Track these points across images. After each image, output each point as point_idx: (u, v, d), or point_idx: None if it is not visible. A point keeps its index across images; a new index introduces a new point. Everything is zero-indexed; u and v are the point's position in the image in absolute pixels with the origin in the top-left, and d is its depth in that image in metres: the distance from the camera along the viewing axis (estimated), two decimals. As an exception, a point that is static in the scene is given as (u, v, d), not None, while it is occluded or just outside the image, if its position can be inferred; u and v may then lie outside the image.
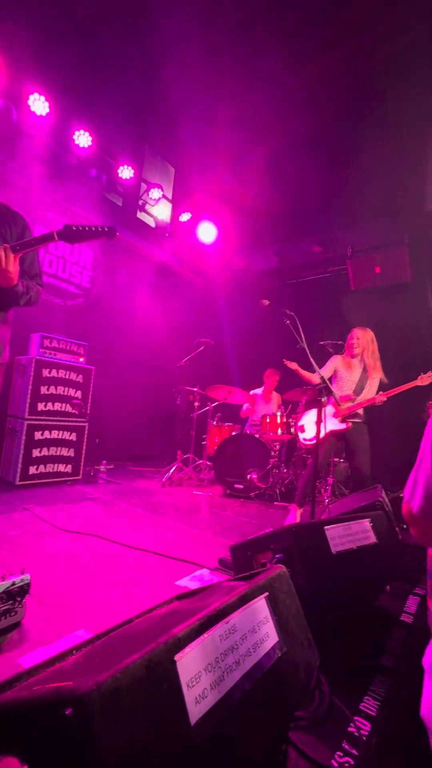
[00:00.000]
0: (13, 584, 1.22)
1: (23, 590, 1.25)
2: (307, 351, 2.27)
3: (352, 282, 4.90)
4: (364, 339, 2.99)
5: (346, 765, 0.87)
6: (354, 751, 0.90)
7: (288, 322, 2.31)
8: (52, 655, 0.82)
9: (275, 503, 3.66)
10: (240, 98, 4.93)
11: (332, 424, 2.87)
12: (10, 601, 1.22)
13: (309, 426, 3.29)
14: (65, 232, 1.52)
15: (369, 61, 4.53)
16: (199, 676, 0.59)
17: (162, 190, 5.39)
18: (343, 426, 2.86)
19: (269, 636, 0.77)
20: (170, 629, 0.64)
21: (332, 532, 1.40)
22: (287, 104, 5.03)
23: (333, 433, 2.90)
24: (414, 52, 4.47)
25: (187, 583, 1.72)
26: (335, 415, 2.89)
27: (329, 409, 2.90)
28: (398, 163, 4.66)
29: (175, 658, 0.57)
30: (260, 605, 0.79)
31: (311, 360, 2.35)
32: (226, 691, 0.62)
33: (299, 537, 1.29)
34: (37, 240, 1.50)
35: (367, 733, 0.96)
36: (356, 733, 0.95)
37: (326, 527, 1.39)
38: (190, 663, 0.59)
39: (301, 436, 3.35)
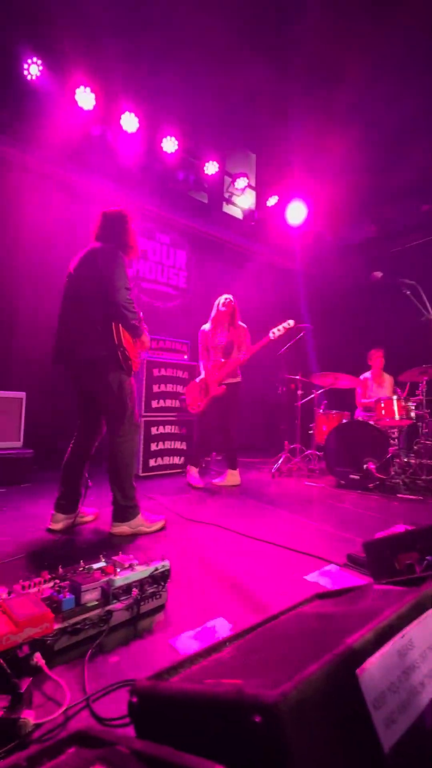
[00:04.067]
0: (156, 569, 1.31)
1: (165, 575, 1.33)
2: (436, 322, 1.97)
3: None
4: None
5: None
6: None
7: (408, 292, 2.03)
8: (207, 646, 0.84)
9: (398, 495, 3.33)
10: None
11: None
12: (155, 585, 1.31)
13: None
14: None
15: None
16: (383, 696, 0.52)
17: (247, 179, 5.30)
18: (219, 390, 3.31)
19: (452, 655, 0.66)
20: (340, 637, 0.58)
21: None
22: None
23: (213, 397, 3.33)
24: None
25: (317, 578, 1.65)
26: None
27: None
28: None
29: (357, 673, 0.51)
30: (435, 618, 0.68)
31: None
32: (416, 716, 0.53)
33: (456, 537, 1.11)
34: None
35: None
36: None
37: None
38: (372, 680, 0.52)
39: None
